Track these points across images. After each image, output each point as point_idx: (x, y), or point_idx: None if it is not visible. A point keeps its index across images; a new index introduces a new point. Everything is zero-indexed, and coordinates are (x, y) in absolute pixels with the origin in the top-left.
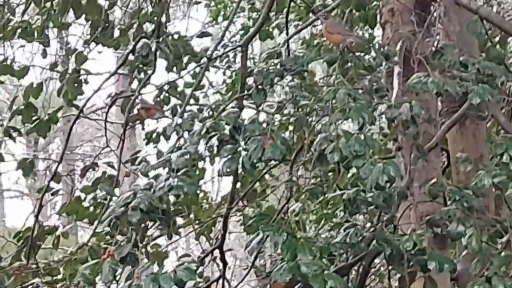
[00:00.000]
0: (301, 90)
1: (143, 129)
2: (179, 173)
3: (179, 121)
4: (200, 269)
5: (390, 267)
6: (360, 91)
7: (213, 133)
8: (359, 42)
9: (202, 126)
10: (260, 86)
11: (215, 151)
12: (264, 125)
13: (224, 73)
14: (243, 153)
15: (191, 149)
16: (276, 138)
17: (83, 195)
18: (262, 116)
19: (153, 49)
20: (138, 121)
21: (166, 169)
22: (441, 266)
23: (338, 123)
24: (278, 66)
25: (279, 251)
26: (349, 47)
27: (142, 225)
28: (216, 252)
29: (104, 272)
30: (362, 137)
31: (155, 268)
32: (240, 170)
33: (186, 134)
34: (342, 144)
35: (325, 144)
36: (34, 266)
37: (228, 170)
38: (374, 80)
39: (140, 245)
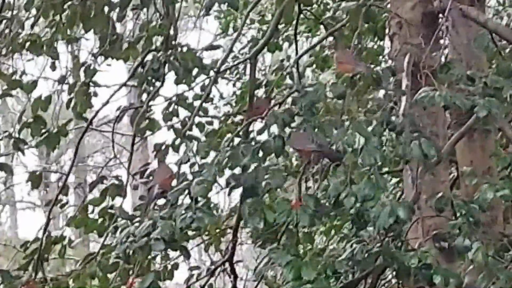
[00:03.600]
0: (315, 129)
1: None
2: (199, 204)
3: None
4: (211, 280)
5: (398, 282)
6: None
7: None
8: (368, 72)
9: (220, 155)
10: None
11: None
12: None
13: (234, 85)
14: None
15: (209, 177)
16: (309, 201)
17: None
18: (273, 128)
19: (162, 62)
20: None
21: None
22: (447, 280)
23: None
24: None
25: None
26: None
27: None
28: (227, 264)
29: None
30: (373, 180)
31: None
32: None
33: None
34: (356, 189)
35: (339, 189)
36: (42, 279)
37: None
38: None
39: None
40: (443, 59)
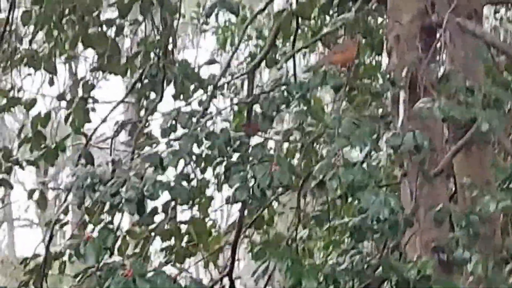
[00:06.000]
0: (306, 116)
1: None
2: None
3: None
4: None
5: None
6: (366, 118)
7: (219, 160)
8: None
9: (197, 127)
10: (266, 113)
11: (222, 179)
12: (272, 151)
13: (232, 101)
14: (252, 180)
15: (184, 147)
16: (283, 163)
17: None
18: (270, 144)
19: (160, 72)
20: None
21: None
22: None
23: (341, 150)
24: (284, 93)
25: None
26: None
27: None
28: (226, 280)
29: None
30: (365, 166)
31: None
32: (249, 199)
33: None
34: (342, 172)
35: (325, 170)
36: None
37: (239, 199)
38: (380, 105)
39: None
40: (441, 72)
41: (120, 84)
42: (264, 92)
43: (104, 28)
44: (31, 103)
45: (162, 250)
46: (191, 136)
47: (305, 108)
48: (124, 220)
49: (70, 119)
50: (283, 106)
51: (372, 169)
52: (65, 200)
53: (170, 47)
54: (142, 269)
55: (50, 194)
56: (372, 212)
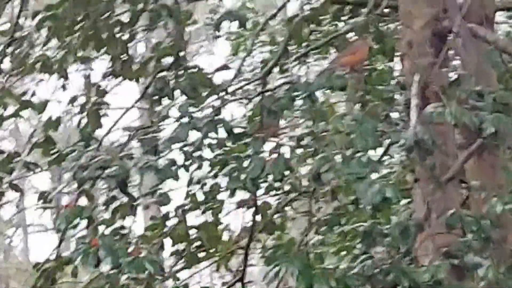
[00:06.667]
0: (311, 114)
1: None
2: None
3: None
4: None
5: None
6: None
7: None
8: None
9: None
10: (271, 109)
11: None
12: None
13: (245, 107)
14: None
15: (181, 135)
16: (279, 158)
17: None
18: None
19: (170, 82)
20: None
21: None
22: None
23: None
24: (290, 91)
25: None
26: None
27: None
28: (238, 285)
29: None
30: (364, 159)
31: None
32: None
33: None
34: (339, 164)
35: (321, 163)
36: None
37: (230, 188)
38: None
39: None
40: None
41: (135, 90)
42: (270, 90)
43: (116, 30)
44: (43, 105)
45: (172, 254)
46: (188, 123)
47: (310, 105)
48: (137, 226)
49: (83, 123)
50: (288, 104)
51: (372, 163)
52: (76, 201)
53: (182, 53)
54: (110, 242)
55: (64, 200)
56: (366, 201)
